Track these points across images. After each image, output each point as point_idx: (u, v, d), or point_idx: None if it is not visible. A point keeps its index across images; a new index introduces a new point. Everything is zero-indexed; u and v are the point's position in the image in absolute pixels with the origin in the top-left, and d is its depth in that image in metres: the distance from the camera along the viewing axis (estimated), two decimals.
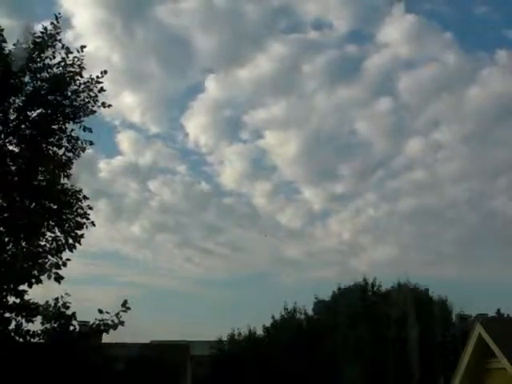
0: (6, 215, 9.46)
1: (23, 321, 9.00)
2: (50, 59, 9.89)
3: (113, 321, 8.97)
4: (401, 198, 65.46)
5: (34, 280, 9.11)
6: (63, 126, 10.02)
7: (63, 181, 9.95)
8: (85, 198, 9.92)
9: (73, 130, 10.08)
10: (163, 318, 53.82)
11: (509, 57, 60.93)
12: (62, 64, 9.93)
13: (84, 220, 9.82)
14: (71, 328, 9.12)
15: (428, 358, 28.20)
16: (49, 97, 9.89)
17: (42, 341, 9.04)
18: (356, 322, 32.64)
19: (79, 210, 9.84)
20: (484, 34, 62.40)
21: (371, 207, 63.76)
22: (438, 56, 70.03)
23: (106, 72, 10.13)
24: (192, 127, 78.20)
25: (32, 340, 9.00)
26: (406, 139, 73.07)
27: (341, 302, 35.24)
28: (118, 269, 65.35)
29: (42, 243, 9.55)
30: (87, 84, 10.03)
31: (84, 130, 10.13)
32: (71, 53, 9.95)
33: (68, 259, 9.45)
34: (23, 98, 9.81)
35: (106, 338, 9.82)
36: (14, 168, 9.76)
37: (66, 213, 9.74)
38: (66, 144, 10.04)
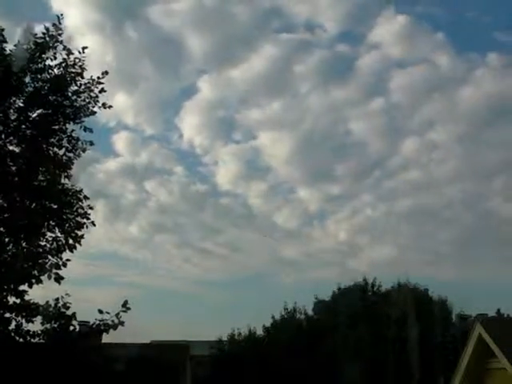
0: (6, 215, 9.45)
1: (23, 321, 9.00)
2: (51, 60, 9.90)
3: (113, 321, 8.97)
4: (397, 198, 65.22)
5: (34, 280, 9.11)
6: (64, 127, 10.03)
7: (63, 181, 9.97)
8: (85, 197, 9.93)
9: (73, 130, 10.10)
10: (163, 318, 53.97)
11: (499, 59, 61.04)
12: (63, 65, 9.93)
13: (84, 220, 9.83)
14: (71, 328, 9.11)
15: (428, 358, 28.22)
16: (49, 97, 9.89)
17: (42, 341, 9.03)
18: (356, 322, 32.63)
19: (79, 210, 9.84)
20: (475, 36, 62.43)
21: (368, 207, 64.04)
22: (429, 56, 70.08)
23: (107, 73, 10.14)
24: (187, 128, 77.38)
25: (32, 340, 9.00)
26: (401, 139, 72.93)
27: (341, 302, 35.22)
28: (117, 269, 65.43)
29: (43, 243, 9.55)
30: (88, 85, 10.04)
31: (85, 131, 10.16)
32: (72, 54, 9.96)
33: (68, 259, 9.46)
34: (24, 99, 9.81)
35: (106, 338, 9.83)
36: (14, 168, 9.75)
37: (66, 213, 9.73)
38: (67, 144, 10.04)
